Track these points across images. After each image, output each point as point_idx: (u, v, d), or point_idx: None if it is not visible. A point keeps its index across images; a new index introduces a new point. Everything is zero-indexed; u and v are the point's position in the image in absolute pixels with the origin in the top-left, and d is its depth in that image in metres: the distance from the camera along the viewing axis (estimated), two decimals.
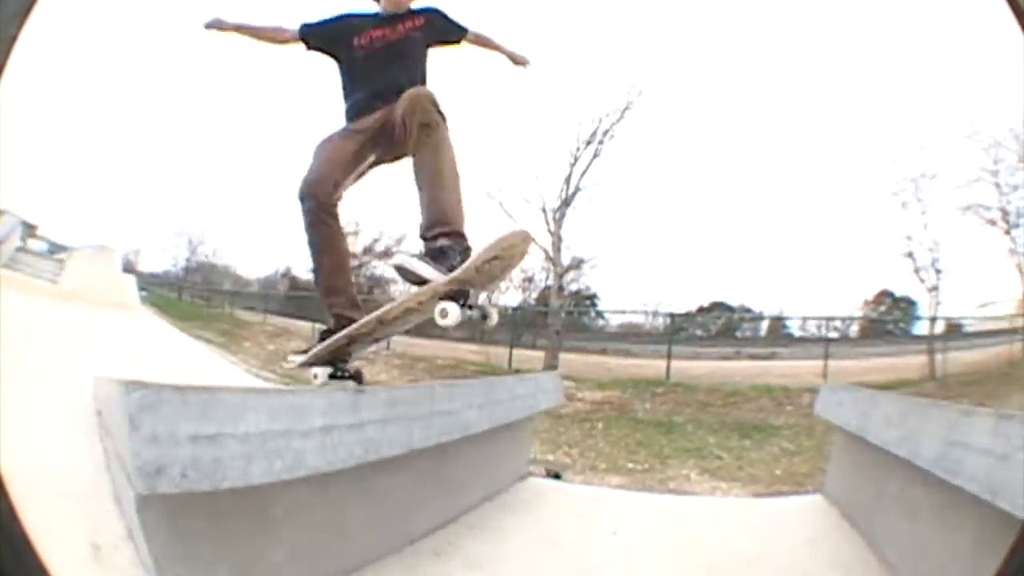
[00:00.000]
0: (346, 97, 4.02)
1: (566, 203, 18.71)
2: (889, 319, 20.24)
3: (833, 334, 19.49)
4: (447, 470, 4.23)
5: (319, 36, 4.10)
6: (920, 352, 16.29)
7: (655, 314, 20.13)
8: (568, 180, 18.74)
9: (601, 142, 18.88)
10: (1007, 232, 14.89)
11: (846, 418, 4.68)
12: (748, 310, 22.28)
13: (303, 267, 19.57)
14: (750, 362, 18.97)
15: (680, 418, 12.91)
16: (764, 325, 22.05)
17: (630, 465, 9.80)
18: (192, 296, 23.04)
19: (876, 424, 3.92)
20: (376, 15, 4.09)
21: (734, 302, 22.23)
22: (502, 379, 6.50)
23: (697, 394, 14.14)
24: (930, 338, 16.22)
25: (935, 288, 16.23)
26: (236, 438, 2.40)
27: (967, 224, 15.55)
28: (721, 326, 22.24)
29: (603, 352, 19.49)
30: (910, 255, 16.55)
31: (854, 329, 20.51)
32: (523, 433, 5.60)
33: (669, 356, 16.03)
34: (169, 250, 23.45)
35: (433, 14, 4.14)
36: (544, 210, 18.70)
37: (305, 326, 16.29)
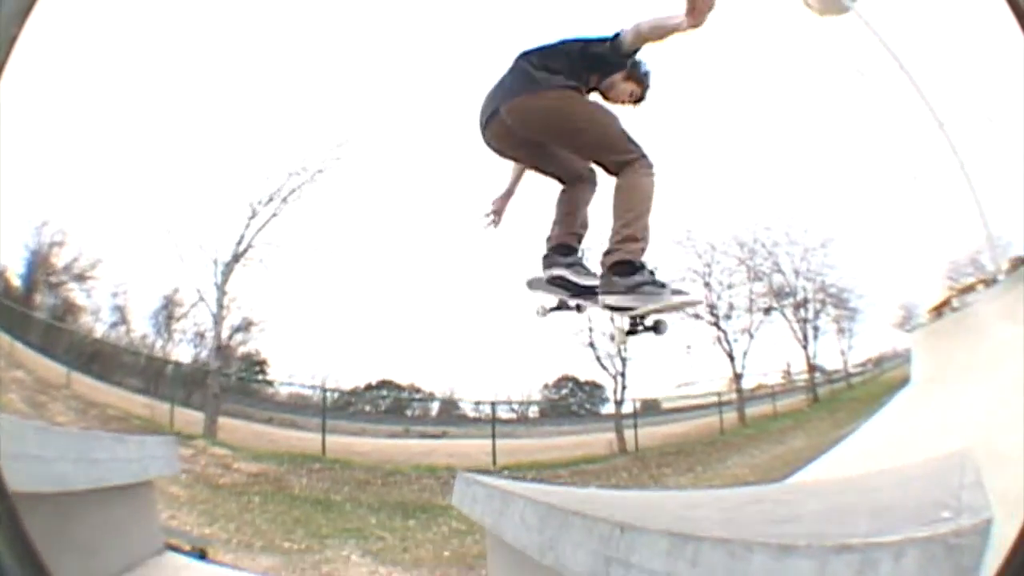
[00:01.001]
0: None
1: (236, 258, 16.87)
2: (572, 401, 20.09)
3: (510, 415, 19.27)
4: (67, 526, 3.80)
5: None
6: (608, 429, 16.63)
7: (322, 388, 18.93)
8: (243, 235, 16.93)
9: (285, 200, 17.37)
10: (715, 324, 16.44)
11: (480, 515, 4.51)
12: (417, 389, 21.74)
13: None
14: (420, 440, 18.46)
15: (339, 496, 12.40)
16: (436, 405, 20.84)
17: (287, 544, 9.35)
18: None
19: (512, 527, 3.85)
20: None
21: (404, 380, 20.55)
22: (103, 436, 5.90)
23: (355, 471, 13.73)
24: (617, 417, 16.68)
25: (621, 374, 16.92)
26: None
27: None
28: (390, 403, 21.84)
29: (269, 421, 17.89)
30: (591, 345, 17.17)
31: (534, 410, 20.04)
32: (144, 501, 5.04)
33: (324, 430, 15.43)
34: None
35: None
36: (215, 261, 16.89)
37: None
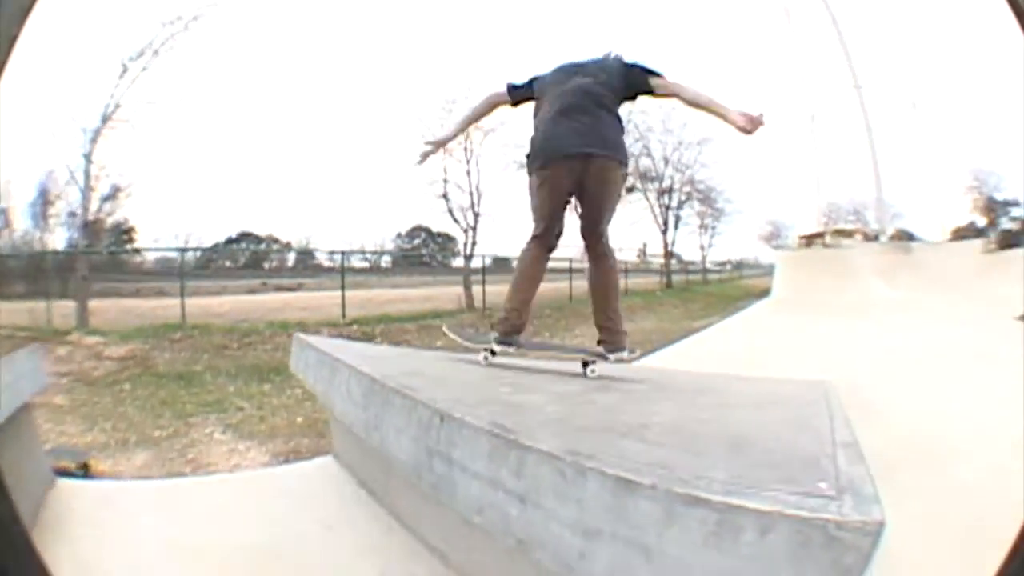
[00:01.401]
0: None
1: (104, 120, 16.39)
2: (424, 252, 20.95)
3: (363, 264, 19.76)
4: None
5: None
6: (457, 283, 17.30)
7: (181, 250, 18.60)
8: (112, 95, 16.46)
9: (156, 53, 17.18)
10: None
11: (313, 383, 4.16)
12: (275, 240, 21.97)
13: None
14: (276, 295, 18.67)
15: (199, 366, 12.10)
16: (292, 256, 21.83)
17: (157, 433, 8.85)
18: None
19: (340, 399, 3.52)
20: None
21: (262, 232, 21.82)
22: None
23: (214, 337, 13.38)
24: (466, 272, 17.26)
25: (472, 228, 17.55)
26: None
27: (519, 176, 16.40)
28: (248, 257, 21.47)
29: (137, 293, 18.24)
30: (444, 196, 17.69)
31: (387, 260, 20.98)
32: (26, 430, 4.07)
33: (182, 293, 14.82)
34: None
35: None
36: (84, 130, 16.39)
37: None
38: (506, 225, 17.99)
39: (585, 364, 4.33)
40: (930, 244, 18.43)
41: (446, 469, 2.57)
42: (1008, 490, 3.34)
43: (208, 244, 20.51)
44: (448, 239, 18.73)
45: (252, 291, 19.21)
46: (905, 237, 18.31)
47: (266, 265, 21.57)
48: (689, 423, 3.00)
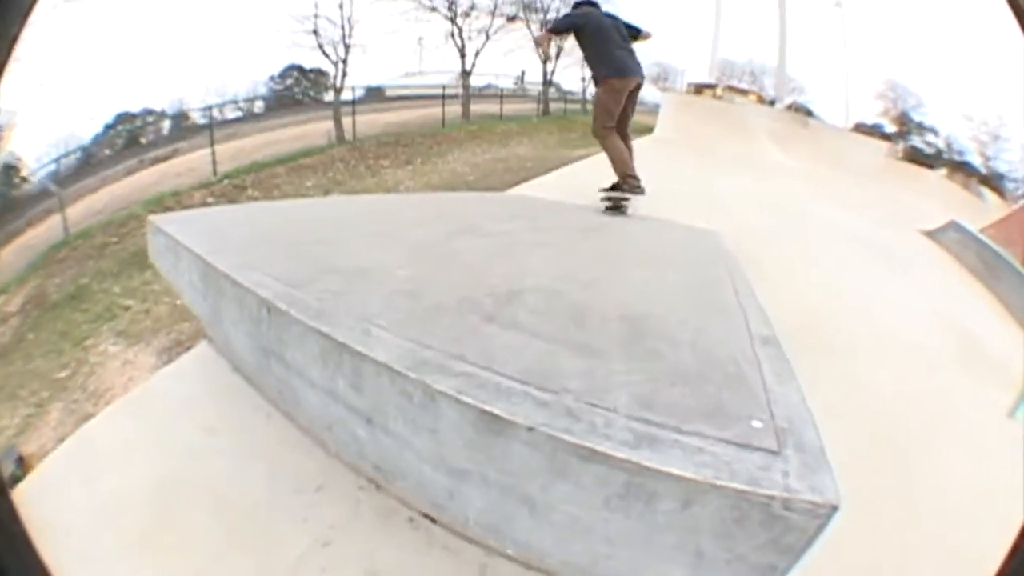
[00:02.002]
0: None
1: None
2: (296, 91, 19.67)
3: (237, 114, 18.75)
4: None
5: None
6: (330, 119, 15.93)
7: (61, 156, 16.76)
8: None
9: None
10: (451, 19, 15.43)
11: (167, 271, 3.67)
12: (150, 111, 20.58)
13: None
14: (152, 168, 17.66)
15: (85, 278, 10.73)
16: (167, 123, 20.71)
17: (62, 374, 7.92)
18: None
19: (185, 287, 3.26)
20: None
21: (137, 108, 20.27)
22: None
23: (95, 238, 11.85)
24: (336, 105, 15.82)
25: (343, 60, 15.64)
26: None
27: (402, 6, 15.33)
28: (125, 138, 20.27)
29: (29, 225, 16.39)
30: (315, 32, 16.37)
31: (260, 106, 19.98)
32: None
33: (62, 208, 13.51)
34: None
35: None
36: None
37: None
38: (379, 54, 17.07)
39: (616, 207, 5.65)
40: (830, 126, 18.03)
41: (285, 374, 2.17)
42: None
43: (86, 140, 18.30)
44: (321, 74, 17.74)
45: (130, 172, 17.50)
46: (804, 112, 18.05)
47: (143, 140, 19.64)
48: (572, 289, 2.58)
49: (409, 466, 1.70)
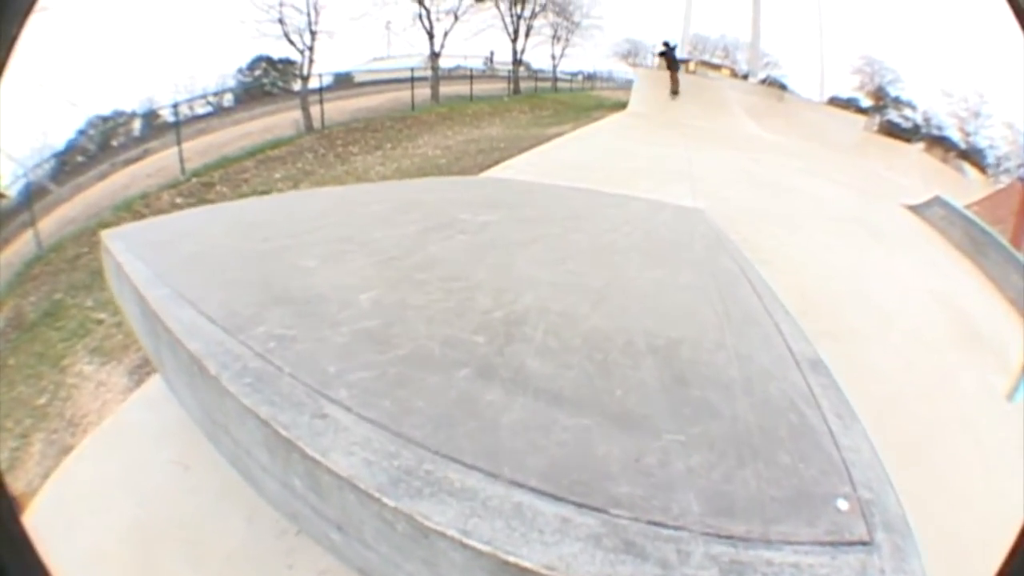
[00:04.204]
0: None
1: None
2: (265, 82, 19.24)
3: (207, 109, 18.35)
4: None
5: None
6: (298, 108, 16.34)
7: (31, 168, 16.02)
8: None
9: None
10: (419, 1, 15.32)
11: (116, 294, 3.42)
12: (121, 112, 19.83)
13: None
14: (124, 171, 17.16)
15: (59, 293, 10.82)
16: (138, 123, 19.97)
17: (41, 400, 7.43)
18: None
19: (132, 318, 2.96)
20: None
21: (108, 110, 19.57)
22: None
23: (67, 251, 11.87)
24: (303, 94, 16.02)
25: (309, 48, 16.09)
26: None
27: None
28: (97, 143, 19.51)
29: (6, 243, 15.74)
30: (280, 20, 16.02)
31: (230, 99, 19.54)
32: None
33: (34, 223, 12.85)
34: None
35: None
36: None
37: None
38: (346, 40, 16.64)
39: None
40: (806, 100, 17.75)
41: (234, 448, 1.72)
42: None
43: (58, 148, 17.56)
44: (289, 64, 17.29)
45: (103, 177, 16.81)
46: (777, 86, 17.68)
47: (115, 143, 18.85)
48: (582, 308, 2.13)
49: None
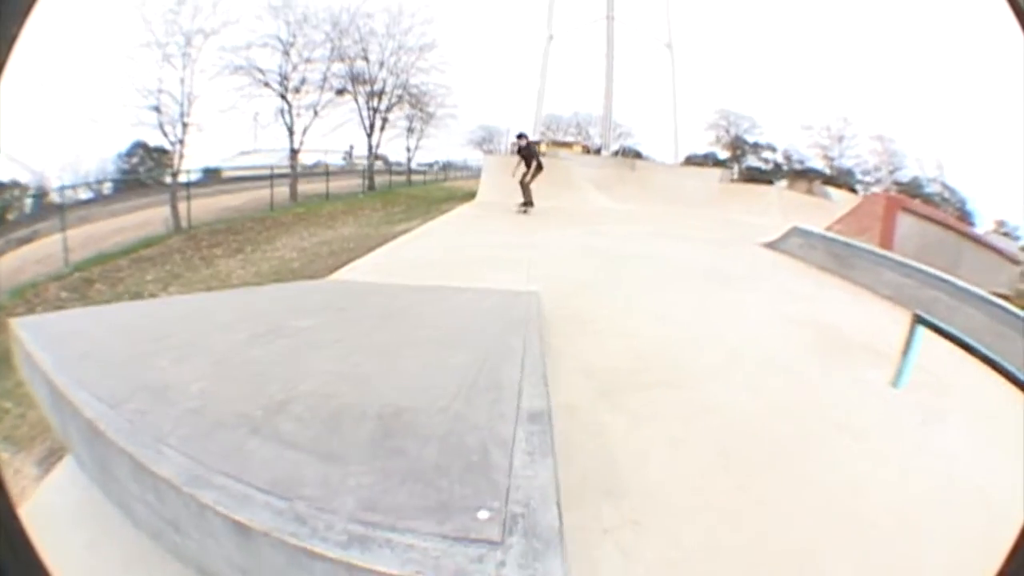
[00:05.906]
0: None
1: None
2: (142, 171, 18.39)
3: (89, 195, 17.44)
4: None
5: None
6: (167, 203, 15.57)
7: None
8: None
9: None
10: (282, 95, 15.25)
11: (27, 376, 3.69)
12: (17, 185, 18.91)
13: None
14: (17, 252, 16.18)
15: None
16: (28, 201, 18.96)
17: None
18: None
19: (39, 395, 3.38)
20: None
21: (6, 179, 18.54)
22: None
23: None
24: (173, 190, 15.60)
25: (180, 141, 15.73)
26: None
27: (238, 82, 15.36)
28: None
29: None
30: (157, 108, 15.71)
31: (109, 186, 18.63)
32: None
33: None
34: None
35: None
36: None
37: None
38: (216, 132, 16.31)
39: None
40: (660, 164, 17.76)
41: (121, 490, 2.28)
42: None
43: None
44: (163, 153, 16.76)
45: None
46: (632, 155, 18.26)
47: (10, 217, 17.94)
48: (343, 390, 2.72)
49: (219, 569, 1.85)
